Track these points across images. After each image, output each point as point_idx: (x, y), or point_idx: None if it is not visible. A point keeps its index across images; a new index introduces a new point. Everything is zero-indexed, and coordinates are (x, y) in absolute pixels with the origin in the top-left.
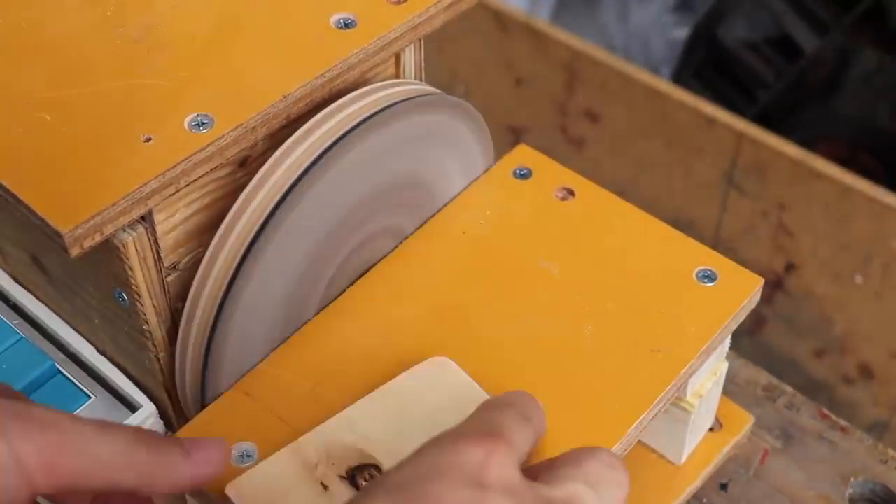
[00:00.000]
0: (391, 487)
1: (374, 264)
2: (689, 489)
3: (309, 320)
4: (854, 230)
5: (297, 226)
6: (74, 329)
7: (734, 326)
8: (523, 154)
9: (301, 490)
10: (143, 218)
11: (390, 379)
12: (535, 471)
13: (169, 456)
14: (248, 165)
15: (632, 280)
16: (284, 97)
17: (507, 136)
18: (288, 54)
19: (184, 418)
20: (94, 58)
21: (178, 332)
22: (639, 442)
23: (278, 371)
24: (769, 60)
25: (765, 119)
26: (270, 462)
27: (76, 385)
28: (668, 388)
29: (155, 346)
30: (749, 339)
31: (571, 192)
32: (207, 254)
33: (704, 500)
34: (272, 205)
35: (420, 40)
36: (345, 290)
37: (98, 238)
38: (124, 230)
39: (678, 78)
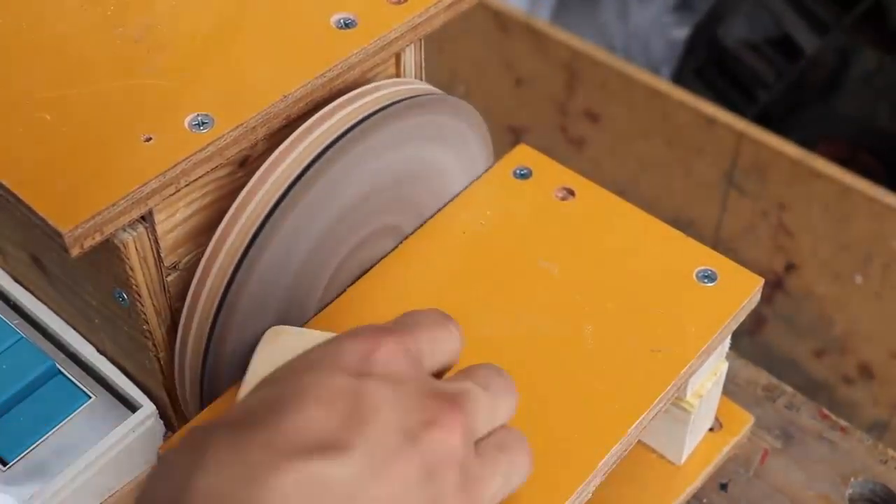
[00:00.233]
0: (268, 380)
1: (374, 264)
2: (689, 489)
3: (308, 320)
4: (854, 230)
5: (297, 225)
6: (74, 329)
7: (734, 326)
8: (523, 154)
9: None
10: (143, 218)
11: None
12: None
13: None
14: (248, 165)
15: (632, 280)
16: (284, 97)
17: (507, 136)
18: (288, 54)
19: (184, 418)
20: (94, 58)
21: (178, 332)
22: (639, 442)
23: None
24: (769, 60)
25: (765, 119)
26: None
27: (76, 385)
28: (668, 388)
29: (155, 346)
30: (749, 339)
31: (571, 192)
32: (206, 253)
33: (704, 500)
34: (271, 204)
35: (420, 40)
36: (345, 290)
37: (98, 238)
38: (124, 230)
39: (678, 78)
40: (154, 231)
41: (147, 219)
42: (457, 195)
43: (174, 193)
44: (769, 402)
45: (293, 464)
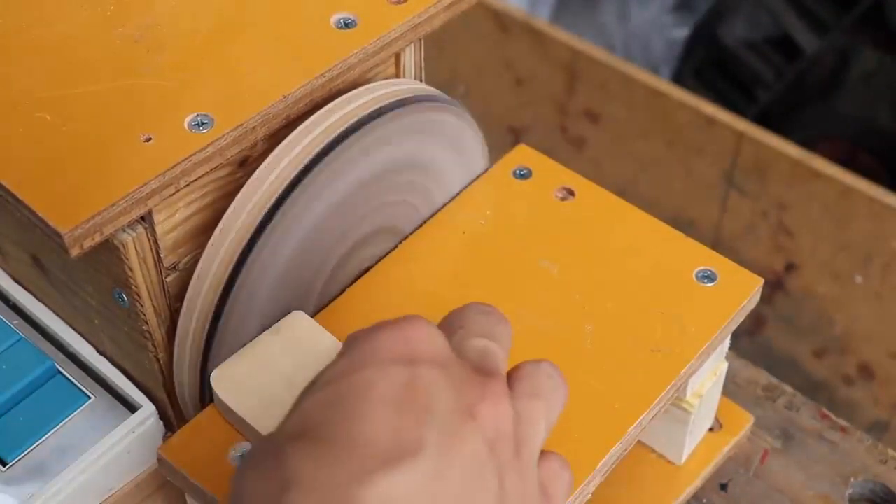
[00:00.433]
0: (322, 382)
1: (374, 264)
2: (689, 489)
3: None
4: (854, 230)
5: (295, 225)
6: (74, 329)
7: (734, 326)
8: (523, 154)
9: None
10: (143, 218)
11: None
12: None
13: None
14: (247, 165)
15: (632, 280)
16: (284, 97)
17: (507, 136)
18: (288, 54)
19: (183, 418)
20: (94, 58)
21: (177, 333)
22: (639, 442)
23: None
24: (769, 60)
25: (765, 119)
26: None
27: (76, 385)
28: (668, 388)
29: (155, 346)
30: (749, 339)
31: (571, 192)
32: (205, 253)
33: (704, 500)
34: (270, 204)
35: (420, 40)
36: (344, 290)
37: (98, 238)
38: (124, 230)
39: (678, 78)
40: (154, 231)
41: (147, 219)
42: (457, 195)
43: (174, 193)
44: (769, 402)
45: (375, 480)
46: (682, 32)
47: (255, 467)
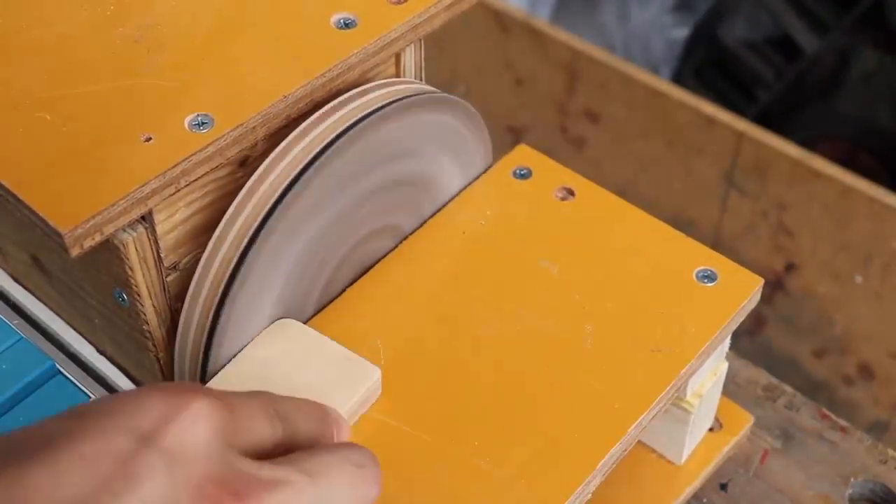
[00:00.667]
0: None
1: (374, 264)
2: (689, 489)
3: (308, 320)
4: (854, 230)
5: (295, 225)
6: (74, 329)
7: (734, 326)
8: (523, 154)
9: None
10: (143, 218)
11: (390, 378)
12: None
13: None
14: (248, 165)
15: (632, 280)
16: (284, 97)
17: (507, 136)
18: (288, 54)
19: None
20: (94, 58)
21: (177, 332)
22: (639, 442)
23: None
24: (769, 60)
25: (765, 119)
26: None
27: (76, 385)
28: (668, 388)
29: (155, 346)
30: (749, 339)
31: (571, 192)
32: (205, 253)
33: (704, 500)
34: (270, 204)
35: (420, 40)
36: (344, 290)
37: (98, 238)
38: (124, 230)
39: (678, 78)
40: (154, 231)
41: (147, 219)
42: (457, 195)
43: (174, 193)
44: (769, 402)
45: None
46: (682, 32)
47: None
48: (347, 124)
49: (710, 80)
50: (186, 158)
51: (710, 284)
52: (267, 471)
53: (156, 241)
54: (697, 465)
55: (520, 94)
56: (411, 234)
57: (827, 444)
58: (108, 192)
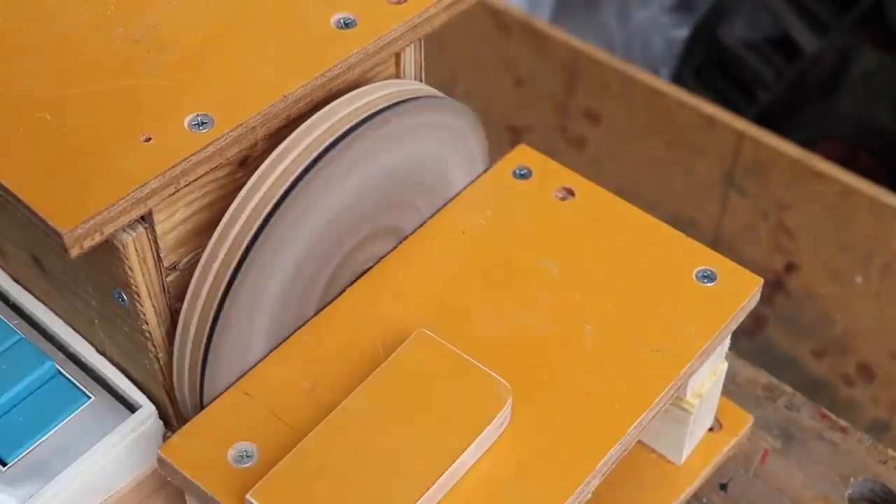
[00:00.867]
0: None
1: (374, 264)
2: (689, 489)
3: (309, 320)
4: (854, 230)
5: (296, 225)
6: (74, 329)
7: (734, 326)
8: (523, 154)
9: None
10: (143, 218)
11: None
12: None
13: None
14: (248, 165)
15: (632, 280)
16: (284, 97)
17: (507, 136)
18: (288, 54)
19: (183, 418)
20: (94, 58)
21: (177, 333)
22: (639, 442)
23: (278, 371)
24: (769, 60)
25: (765, 119)
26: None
27: (76, 385)
28: (668, 388)
29: (155, 346)
30: (749, 339)
31: (571, 192)
32: (206, 253)
33: (704, 500)
34: (271, 204)
35: (420, 40)
36: (344, 290)
37: (98, 238)
38: (124, 230)
39: (678, 78)
40: (154, 231)
41: (147, 219)
42: (457, 195)
43: (174, 193)
44: (769, 402)
45: None
46: (681, 32)
47: None
48: (348, 125)
49: (710, 80)
50: (186, 158)
51: (710, 284)
52: None
53: (156, 241)
54: (697, 465)
55: (520, 94)
56: (411, 234)
57: (827, 444)
58: (108, 192)
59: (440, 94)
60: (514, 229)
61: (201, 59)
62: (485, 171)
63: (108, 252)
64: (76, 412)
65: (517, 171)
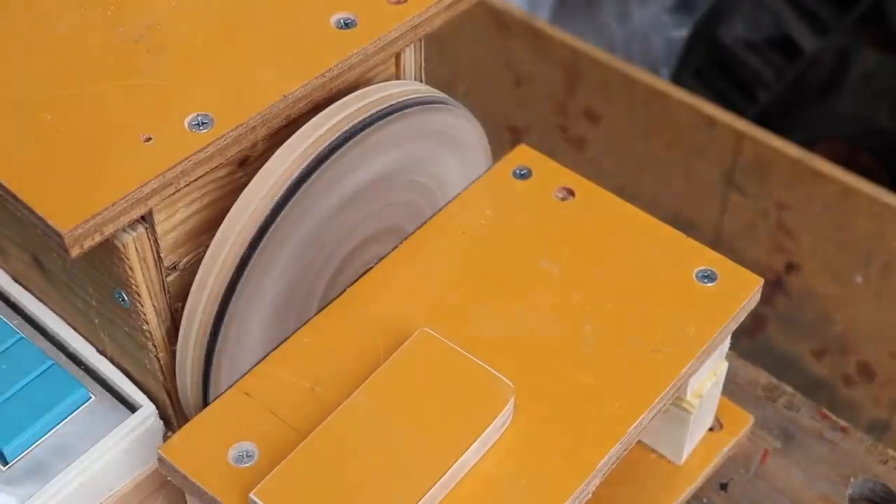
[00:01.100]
0: None
1: (375, 264)
2: (689, 489)
3: (309, 320)
4: (854, 230)
5: (297, 225)
6: (74, 329)
7: (734, 326)
8: (523, 154)
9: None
10: (143, 218)
11: None
12: None
13: None
14: (248, 165)
15: (632, 280)
16: (284, 97)
17: (507, 136)
18: (288, 54)
19: (184, 418)
20: (94, 58)
21: (178, 332)
22: (639, 442)
23: (278, 371)
24: (769, 60)
25: (765, 119)
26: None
27: (76, 385)
28: (668, 388)
29: (155, 346)
30: (749, 339)
31: (571, 192)
32: (208, 254)
33: (704, 500)
34: (272, 205)
35: (420, 40)
36: (344, 290)
37: (98, 238)
38: (124, 230)
39: (678, 78)
40: (154, 231)
41: (147, 219)
42: (457, 195)
43: (174, 193)
44: (769, 402)
45: None
46: (681, 32)
47: None
48: (349, 126)
49: (710, 80)
50: (186, 158)
51: (710, 284)
52: None
53: (156, 241)
54: (697, 465)
55: (520, 94)
56: (411, 234)
57: (827, 444)
58: (108, 192)
59: (441, 94)
60: (514, 229)
61: (201, 59)
62: (486, 170)
63: (108, 252)
64: (76, 412)
65: (517, 171)
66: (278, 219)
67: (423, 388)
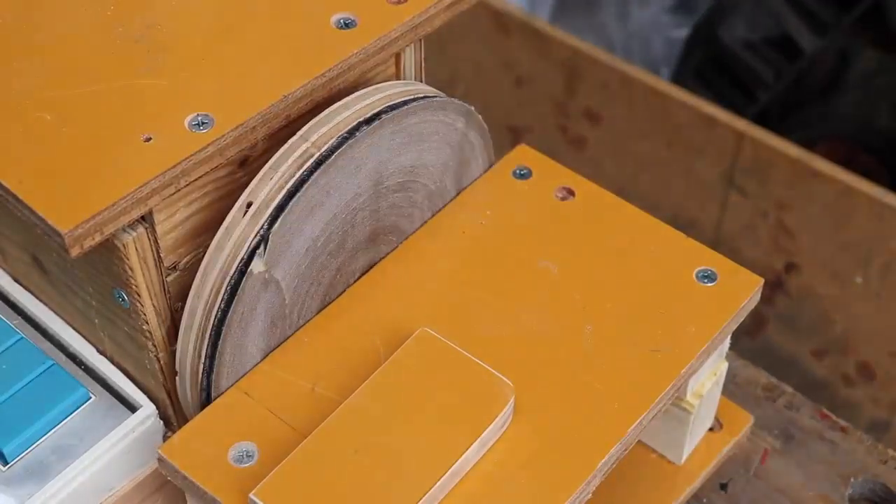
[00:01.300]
0: None
1: (375, 264)
2: (689, 489)
3: (310, 320)
4: (854, 230)
5: (298, 226)
6: (74, 329)
7: (734, 326)
8: (523, 154)
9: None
10: (143, 218)
11: None
12: None
13: None
14: (248, 165)
15: (632, 280)
16: (284, 97)
17: (507, 136)
18: (288, 54)
19: (184, 418)
20: (94, 58)
21: (178, 332)
22: (639, 442)
23: (278, 371)
24: (769, 60)
25: (765, 119)
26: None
27: (76, 385)
28: (668, 388)
29: (155, 346)
30: (749, 339)
31: (571, 192)
32: (208, 253)
33: (704, 500)
34: (273, 205)
35: (420, 40)
36: (344, 290)
37: (98, 238)
38: (124, 230)
39: (678, 78)
40: (154, 231)
41: (147, 219)
42: (457, 195)
43: (174, 193)
44: (769, 402)
45: None
46: (681, 32)
47: None
48: (350, 126)
49: (710, 80)
50: (186, 158)
51: (710, 284)
52: None
53: (156, 241)
54: (697, 465)
55: (520, 94)
56: (412, 234)
57: (827, 444)
58: (108, 192)
59: (441, 94)
60: (514, 229)
61: (201, 59)
62: (486, 170)
63: (108, 252)
64: (76, 412)
65: (517, 171)
66: (279, 219)
67: (424, 388)
